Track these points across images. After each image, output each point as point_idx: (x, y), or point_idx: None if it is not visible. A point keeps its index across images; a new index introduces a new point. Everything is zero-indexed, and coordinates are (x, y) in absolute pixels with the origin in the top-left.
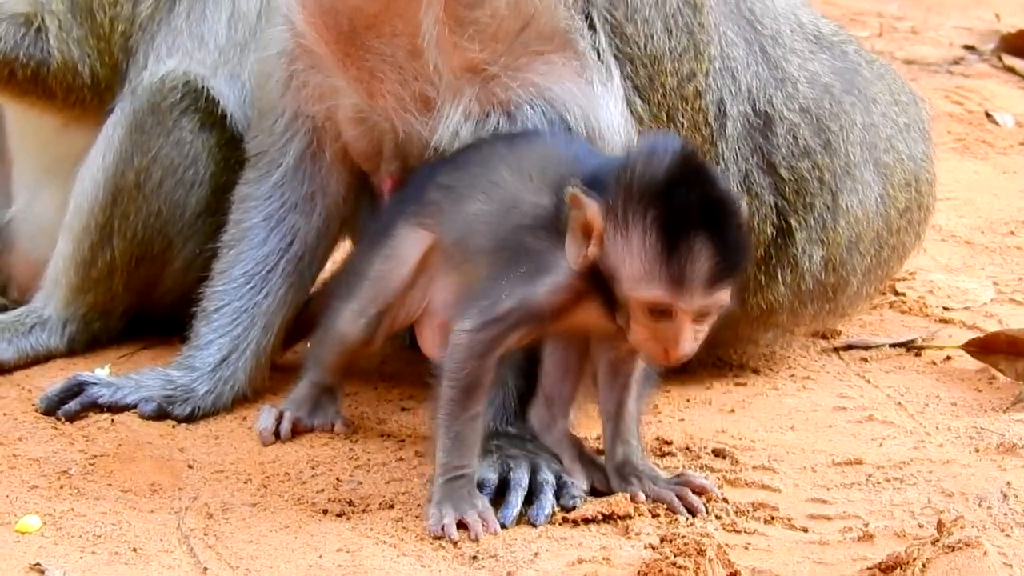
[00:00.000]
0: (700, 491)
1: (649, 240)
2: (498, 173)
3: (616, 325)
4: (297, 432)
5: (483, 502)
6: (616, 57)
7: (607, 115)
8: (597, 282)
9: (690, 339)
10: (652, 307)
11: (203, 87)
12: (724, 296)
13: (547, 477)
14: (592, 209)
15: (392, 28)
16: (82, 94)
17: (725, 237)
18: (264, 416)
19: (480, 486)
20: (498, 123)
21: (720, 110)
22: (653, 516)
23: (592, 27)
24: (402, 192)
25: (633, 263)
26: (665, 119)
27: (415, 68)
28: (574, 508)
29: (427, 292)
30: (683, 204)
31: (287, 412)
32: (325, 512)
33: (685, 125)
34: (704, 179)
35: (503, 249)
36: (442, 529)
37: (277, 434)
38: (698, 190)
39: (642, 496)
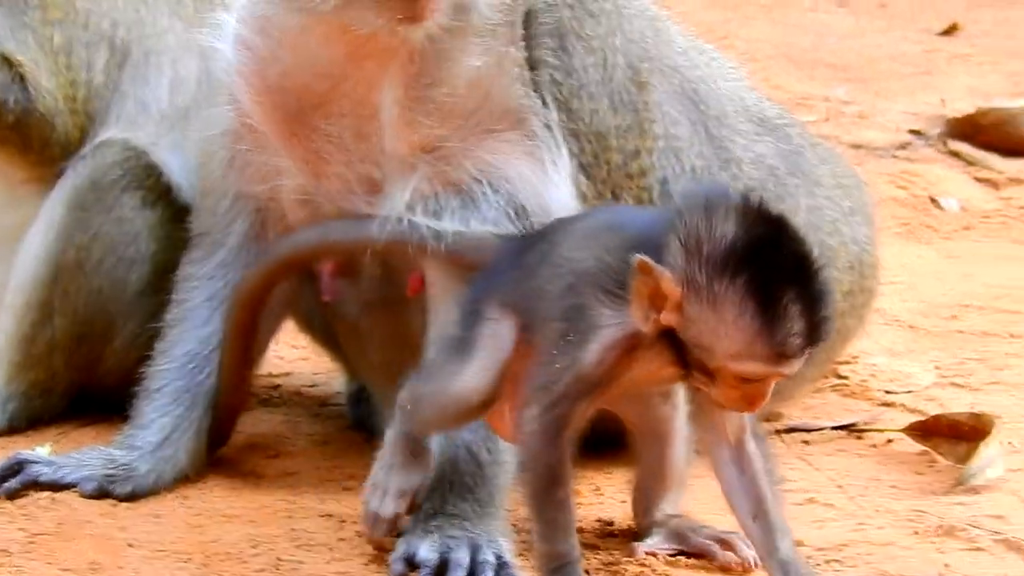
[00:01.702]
0: None
1: (744, 312)
2: (556, 243)
3: (687, 378)
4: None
5: None
6: (563, 134)
7: (556, 194)
8: (668, 341)
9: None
10: (748, 377)
11: (146, 159)
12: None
13: (487, 557)
14: (666, 278)
15: (341, 108)
16: (54, 151)
17: (817, 294)
18: (373, 502)
19: (418, 567)
20: (447, 203)
21: (663, 188)
22: None
23: (545, 104)
24: (483, 275)
25: (729, 337)
26: (610, 196)
27: (362, 149)
28: None
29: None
30: (773, 267)
31: (392, 487)
32: None
33: (630, 203)
34: (783, 230)
35: (555, 309)
36: None
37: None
38: (783, 247)
39: None
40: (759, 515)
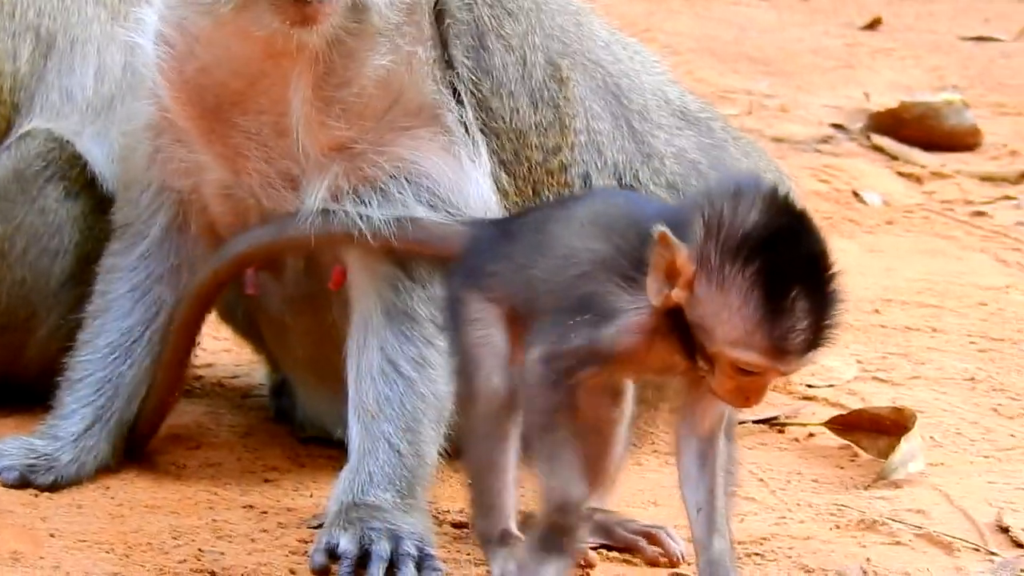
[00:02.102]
0: None
1: (750, 300)
2: (551, 233)
3: (693, 367)
4: None
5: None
6: (483, 131)
7: (475, 189)
8: (675, 322)
9: (770, 390)
10: (745, 368)
11: (70, 148)
12: (819, 357)
13: (409, 549)
14: (683, 253)
15: (258, 106)
16: None
17: (826, 298)
18: None
19: (339, 558)
20: (366, 199)
21: (586, 183)
22: None
23: (459, 102)
24: (463, 264)
25: (730, 322)
26: (531, 193)
27: (281, 146)
28: None
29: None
30: (787, 260)
31: None
32: None
33: (551, 199)
34: (805, 227)
35: (565, 300)
36: None
37: None
38: (802, 242)
39: None
40: (704, 509)
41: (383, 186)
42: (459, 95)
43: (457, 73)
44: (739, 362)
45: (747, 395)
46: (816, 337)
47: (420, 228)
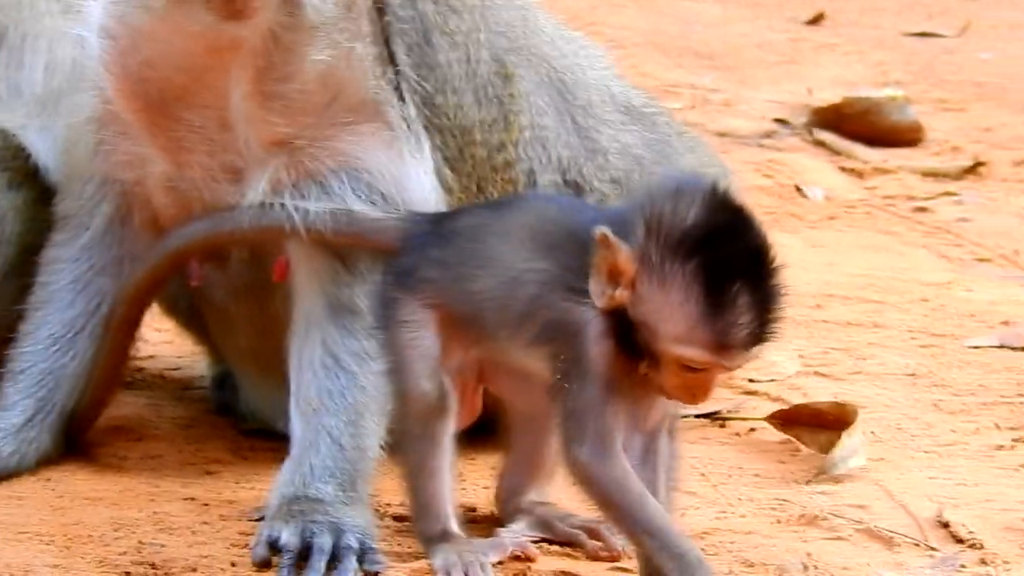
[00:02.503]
0: None
1: (691, 295)
2: (490, 246)
3: (639, 367)
4: None
5: None
6: (426, 128)
7: (418, 185)
8: (621, 325)
9: (718, 386)
10: (690, 364)
11: (15, 141)
12: (762, 350)
13: (350, 542)
14: (624, 253)
15: (201, 100)
16: None
17: (769, 292)
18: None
19: (280, 551)
20: (308, 193)
21: (530, 180)
22: None
23: (401, 98)
24: (396, 263)
25: (673, 319)
26: (475, 189)
27: (224, 139)
28: (378, 574)
29: (468, 357)
30: (727, 256)
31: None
32: (128, 574)
33: (495, 195)
34: (744, 223)
35: (523, 328)
36: None
37: None
38: (742, 238)
39: None
40: None
41: (324, 180)
42: (401, 91)
43: (399, 70)
44: (683, 359)
45: (694, 392)
46: (759, 331)
47: (354, 221)
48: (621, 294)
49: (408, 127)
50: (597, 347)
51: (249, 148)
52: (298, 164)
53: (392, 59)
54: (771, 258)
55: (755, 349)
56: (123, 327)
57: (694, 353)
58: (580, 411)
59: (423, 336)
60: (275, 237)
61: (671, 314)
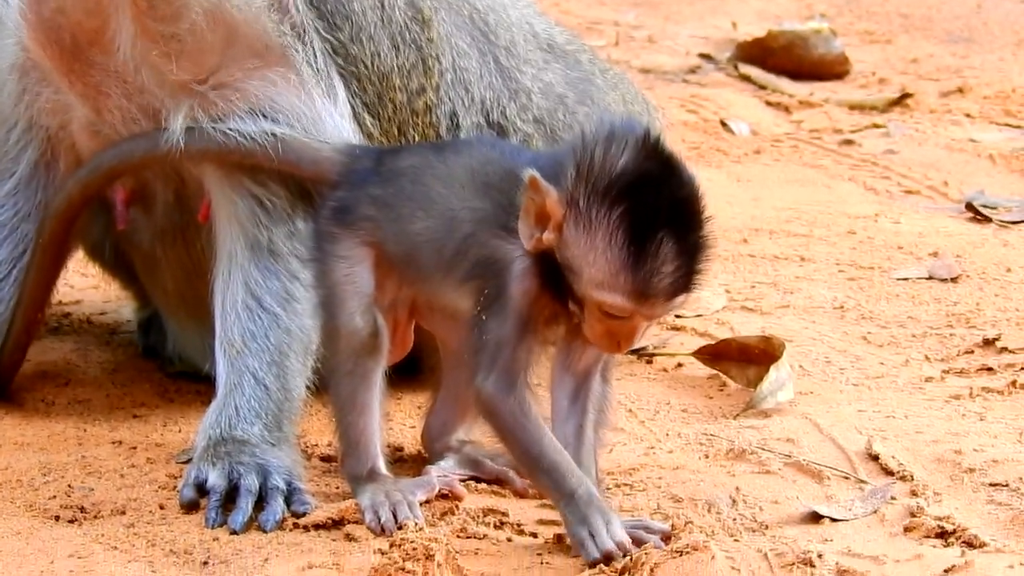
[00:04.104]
0: (662, 536)
1: (614, 242)
2: (431, 188)
3: (568, 314)
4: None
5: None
6: (341, 75)
7: (334, 129)
8: (548, 268)
9: (642, 335)
10: (611, 311)
11: None
12: (685, 301)
13: (277, 483)
14: (552, 196)
15: (112, 44)
16: None
17: (693, 243)
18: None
19: (208, 493)
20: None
21: (453, 122)
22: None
23: (307, 44)
24: (335, 197)
25: (596, 264)
26: (396, 133)
27: (139, 82)
28: (305, 514)
29: (402, 295)
30: (653, 204)
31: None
32: (57, 518)
33: (416, 138)
34: (673, 172)
35: (456, 266)
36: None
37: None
38: (668, 187)
39: None
40: (572, 444)
41: (238, 124)
42: (306, 38)
43: (302, 18)
44: (604, 305)
45: (617, 340)
46: (681, 282)
47: (290, 148)
48: (548, 237)
49: (318, 72)
50: (519, 285)
51: (157, 91)
52: (211, 107)
53: (301, 7)
54: (699, 209)
55: (676, 300)
56: (47, 253)
57: (615, 300)
58: (493, 344)
59: (358, 272)
60: (206, 160)
61: (595, 259)
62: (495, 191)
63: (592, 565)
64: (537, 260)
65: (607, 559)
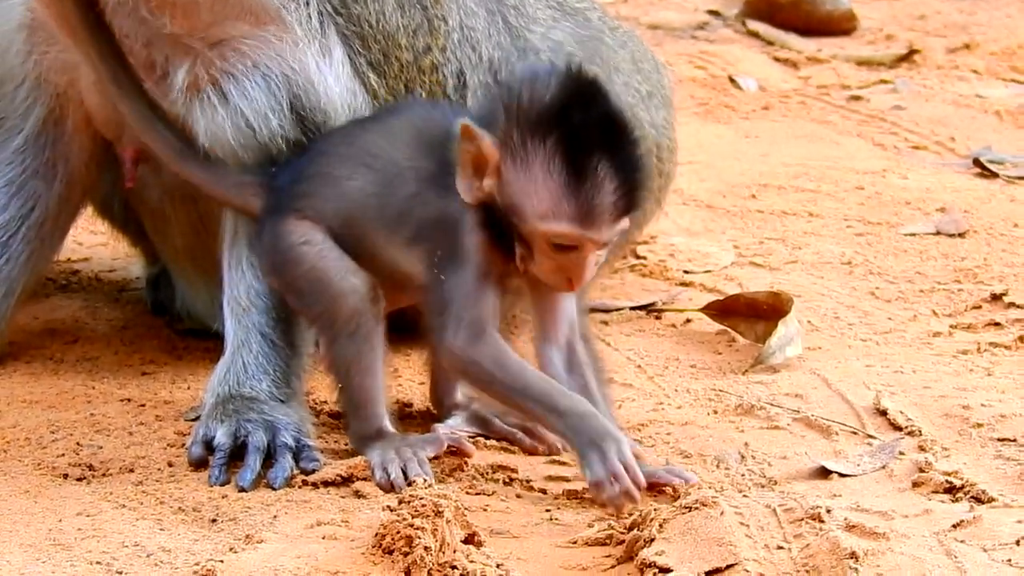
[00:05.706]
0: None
1: (552, 169)
2: (372, 143)
3: (515, 260)
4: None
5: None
6: (345, 35)
7: (328, 90)
8: (491, 219)
9: (592, 267)
10: (558, 240)
11: None
12: (627, 223)
13: (286, 440)
14: (486, 141)
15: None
16: None
17: (629, 161)
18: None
19: (215, 450)
20: (227, 89)
21: (460, 81)
22: None
23: (302, 3)
24: (278, 182)
25: (538, 196)
26: (403, 90)
27: (142, 34)
28: (314, 471)
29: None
30: (582, 125)
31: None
32: (65, 476)
33: (424, 96)
34: (598, 95)
35: (400, 225)
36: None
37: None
38: (595, 107)
39: None
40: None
41: (237, 82)
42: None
43: None
44: (551, 234)
45: (569, 274)
46: (623, 201)
47: (219, 178)
48: (488, 184)
49: (314, 32)
50: (472, 238)
51: (154, 46)
52: (210, 64)
53: None
54: (628, 128)
55: (620, 221)
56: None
57: (561, 227)
58: (454, 301)
59: (327, 247)
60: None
61: (535, 191)
62: (439, 149)
63: (596, 485)
64: (481, 213)
65: (614, 480)
